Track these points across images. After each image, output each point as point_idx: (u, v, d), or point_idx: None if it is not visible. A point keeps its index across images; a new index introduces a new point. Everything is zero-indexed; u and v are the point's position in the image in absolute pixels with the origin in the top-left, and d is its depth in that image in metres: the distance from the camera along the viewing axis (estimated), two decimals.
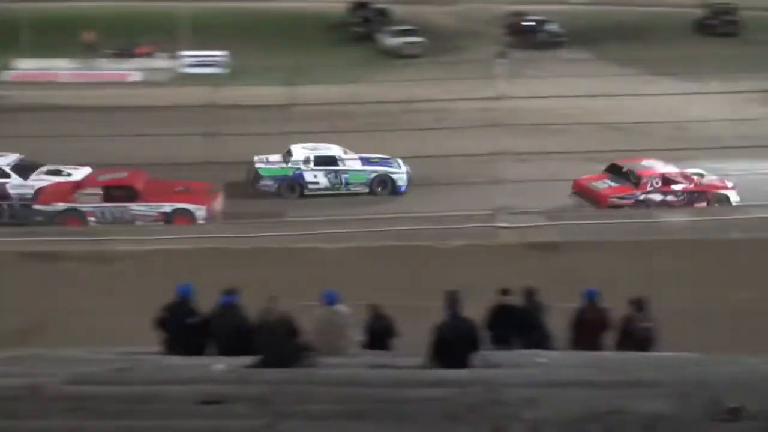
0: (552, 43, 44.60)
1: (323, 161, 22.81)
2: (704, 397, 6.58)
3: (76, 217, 20.12)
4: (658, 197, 21.28)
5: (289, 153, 23.26)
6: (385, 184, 22.77)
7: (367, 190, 22.76)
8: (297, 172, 22.65)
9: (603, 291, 11.27)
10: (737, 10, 52.38)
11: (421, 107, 27.39)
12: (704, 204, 21.30)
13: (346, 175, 22.75)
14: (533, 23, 46.78)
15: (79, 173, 22.06)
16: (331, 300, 10.10)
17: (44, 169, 22.26)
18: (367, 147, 23.90)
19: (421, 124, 25.44)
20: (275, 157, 23.25)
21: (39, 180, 21.67)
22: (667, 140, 24.76)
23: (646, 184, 21.20)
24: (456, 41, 43.82)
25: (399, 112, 27.21)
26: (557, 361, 9.34)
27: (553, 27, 45.99)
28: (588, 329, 11.10)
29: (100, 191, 20.44)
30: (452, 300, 9.30)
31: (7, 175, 21.51)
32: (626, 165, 21.93)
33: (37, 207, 20.42)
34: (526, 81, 29.44)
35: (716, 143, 23.97)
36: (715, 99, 28.66)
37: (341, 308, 10.09)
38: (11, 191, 21.29)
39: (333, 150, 23.22)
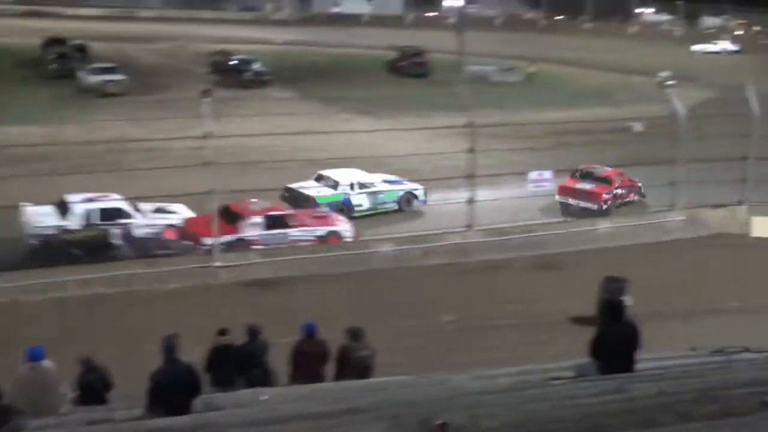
0: (257, 81, 45.34)
1: (363, 185, 24.86)
2: (415, 417, 7.00)
3: (242, 245, 20.14)
4: (620, 191, 25.23)
5: (321, 178, 25.05)
6: (409, 201, 25.32)
7: (396, 207, 25.16)
8: (345, 197, 24.38)
9: (320, 323, 11.57)
10: (425, 53, 56.81)
11: (128, 147, 26.46)
12: (632, 195, 25.60)
13: (381, 195, 25.02)
14: (238, 62, 47.30)
15: (178, 209, 21.30)
16: (35, 356, 9.41)
17: (149, 207, 21.01)
18: (77, 189, 22.54)
19: (128, 164, 24.58)
20: (307, 184, 24.79)
21: (157, 218, 20.82)
22: None
23: (614, 181, 25.15)
24: (160, 79, 43.07)
25: (105, 152, 26.06)
26: (280, 396, 9.43)
27: (257, 66, 46.80)
28: (308, 362, 11.33)
29: (262, 220, 20.60)
30: (168, 345, 9.08)
31: (130, 215, 20.12)
32: (584, 169, 25.60)
33: (206, 240, 19.30)
34: (234, 120, 29.60)
35: (414, 176, 25.74)
36: (410, 135, 30.75)
37: (46, 364, 9.44)
38: (139, 230, 20.08)
39: (363, 174, 25.27)
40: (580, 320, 15.31)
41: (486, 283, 18.23)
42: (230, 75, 45.78)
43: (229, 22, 79.80)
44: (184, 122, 25.90)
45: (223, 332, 11.12)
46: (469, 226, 21.16)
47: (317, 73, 48.47)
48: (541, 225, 21.54)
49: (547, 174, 23.00)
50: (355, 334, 11.40)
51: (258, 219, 20.71)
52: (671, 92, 22.64)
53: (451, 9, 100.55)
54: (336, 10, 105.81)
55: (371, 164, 27.62)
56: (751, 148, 22.08)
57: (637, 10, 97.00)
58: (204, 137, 18.11)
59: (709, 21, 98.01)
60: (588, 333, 9.07)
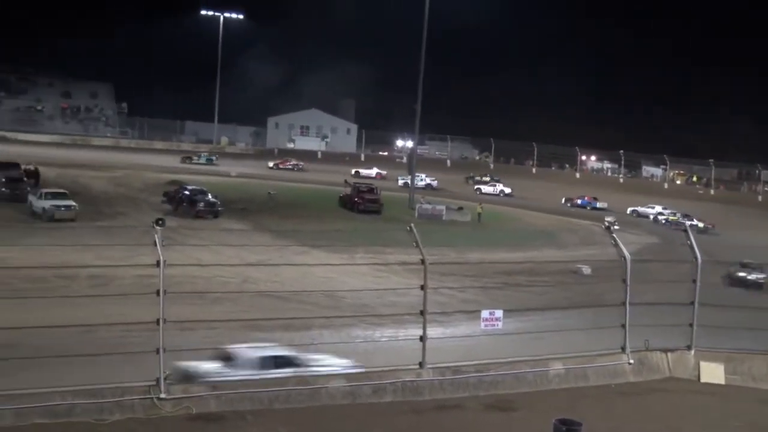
0: (210, 212, 45.51)
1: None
2: None
3: None
4: None
5: None
6: None
7: None
8: None
9: None
10: (378, 190, 57.97)
11: (75, 273, 26.05)
12: None
13: None
14: (191, 193, 47.55)
15: None
16: None
17: None
18: (20, 316, 21.90)
19: (75, 291, 24.11)
20: None
21: None
22: (322, 308, 25.93)
23: None
24: (112, 207, 43.01)
25: (52, 277, 25.59)
26: None
27: (210, 197, 47.08)
28: None
29: None
30: None
31: None
32: None
33: None
34: (185, 249, 29.44)
35: (366, 311, 25.64)
36: (363, 270, 30.89)
37: None
38: None
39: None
40: None
41: (438, 423, 17.87)
42: (183, 205, 45.97)
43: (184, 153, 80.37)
44: (132, 250, 25.73)
45: None
46: (421, 364, 20.90)
47: (271, 205, 48.81)
48: (494, 364, 21.38)
49: (498, 313, 23.05)
50: None
51: None
52: (617, 236, 23.13)
53: (403, 148, 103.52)
54: (290, 146, 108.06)
55: (320, 297, 27.56)
56: (696, 293, 22.52)
57: (583, 157, 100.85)
58: (157, 265, 17.82)
59: (650, 170, 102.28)
60: None
